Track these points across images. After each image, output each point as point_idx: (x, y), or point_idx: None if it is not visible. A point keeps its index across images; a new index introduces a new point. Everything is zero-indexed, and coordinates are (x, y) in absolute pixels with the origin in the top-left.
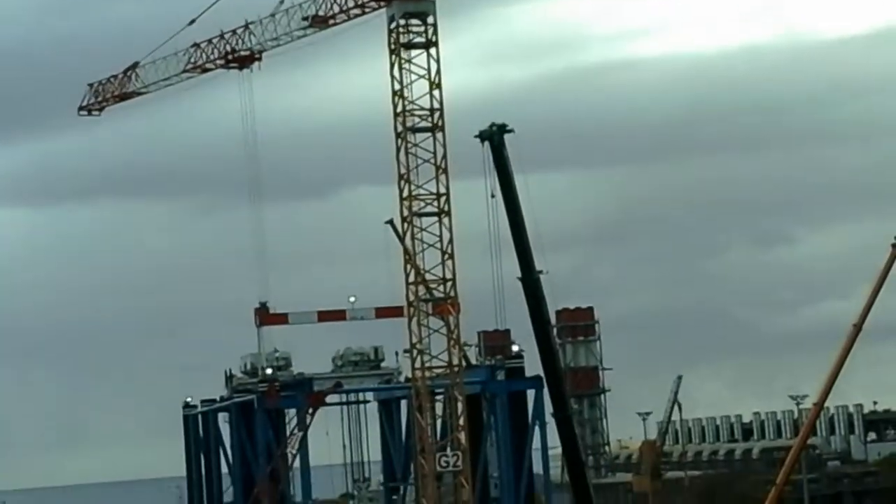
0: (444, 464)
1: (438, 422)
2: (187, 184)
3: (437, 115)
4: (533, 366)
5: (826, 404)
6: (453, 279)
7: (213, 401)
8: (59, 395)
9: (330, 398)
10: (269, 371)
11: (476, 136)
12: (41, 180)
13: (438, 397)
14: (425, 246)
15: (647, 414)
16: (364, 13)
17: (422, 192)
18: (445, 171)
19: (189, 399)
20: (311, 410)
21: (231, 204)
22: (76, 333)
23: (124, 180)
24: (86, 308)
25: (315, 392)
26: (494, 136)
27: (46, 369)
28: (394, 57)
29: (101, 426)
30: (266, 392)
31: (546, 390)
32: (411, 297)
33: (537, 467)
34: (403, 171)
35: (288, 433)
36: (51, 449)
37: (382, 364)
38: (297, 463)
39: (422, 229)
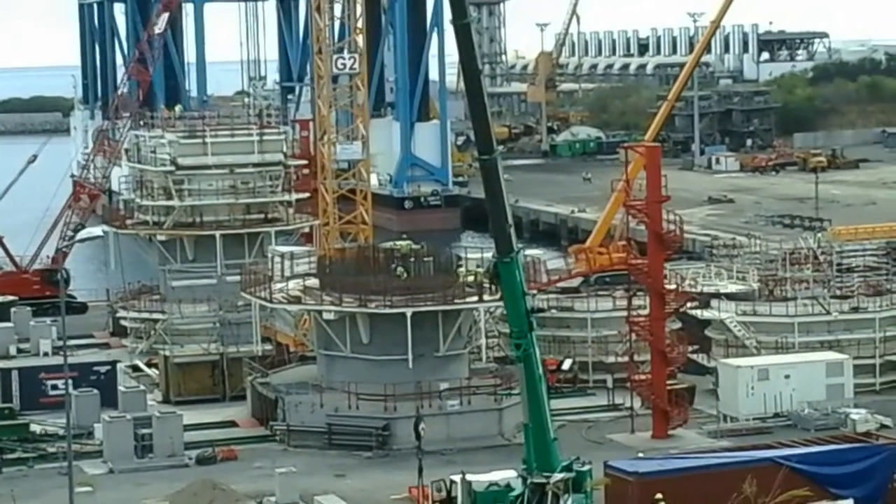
0: (340, 66)
1: (336, 23)
2: None
3: None
4: None
5: (722, 23)
6: None
7: None
8: None
9: None
10: None
11: None
12: None
13: None
14: None
15: (545, 25)
16: None
17: None
18: None
19: None
20: None
21: None
22: None
23: None
24: None
25: None
26: None
27: None
28: None
29: None
30: None
31: None
32: None
33: (433, 74)
34: None
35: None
36: None
37: None
38: (193, 59)
39: None
